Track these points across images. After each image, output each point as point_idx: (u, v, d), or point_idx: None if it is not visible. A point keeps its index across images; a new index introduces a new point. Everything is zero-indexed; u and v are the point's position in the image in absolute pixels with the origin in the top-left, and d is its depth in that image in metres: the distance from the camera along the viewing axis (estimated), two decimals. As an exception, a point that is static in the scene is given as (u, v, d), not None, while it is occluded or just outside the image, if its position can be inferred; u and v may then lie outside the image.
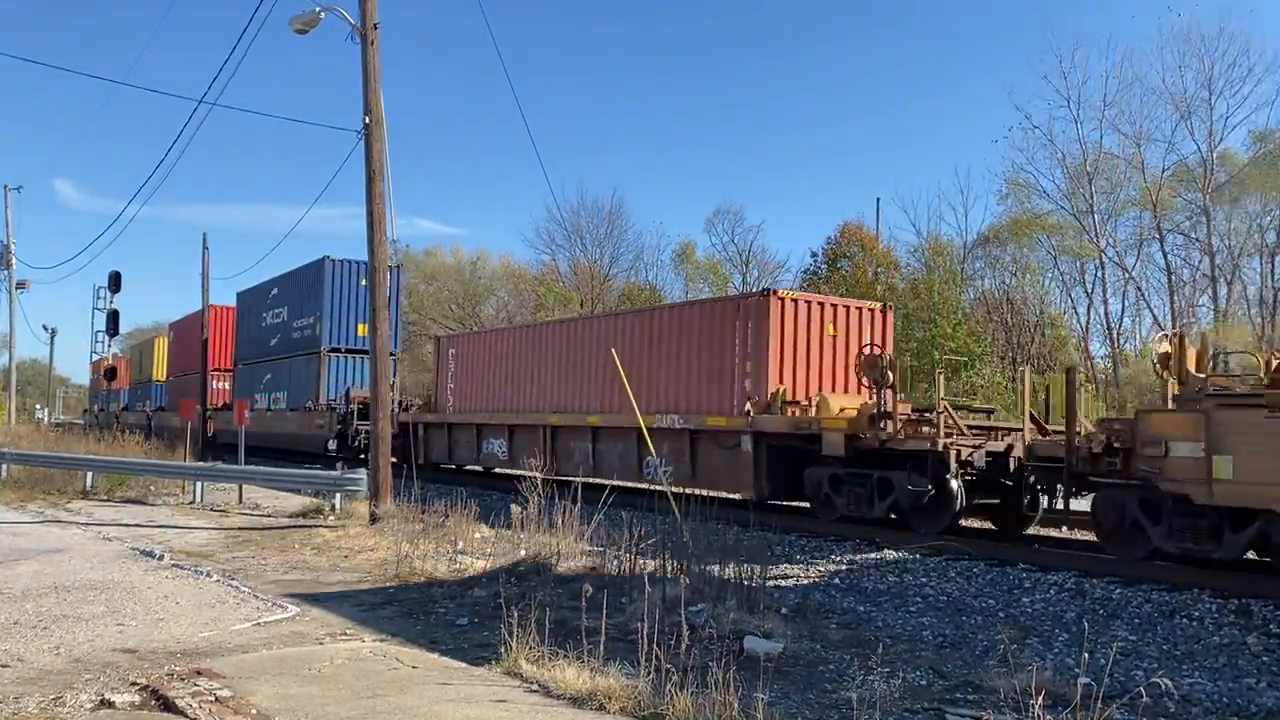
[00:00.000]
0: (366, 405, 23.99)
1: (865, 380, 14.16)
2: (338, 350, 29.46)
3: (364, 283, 27.18)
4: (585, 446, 18.79)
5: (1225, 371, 13.80)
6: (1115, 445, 10.75)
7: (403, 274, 30.69)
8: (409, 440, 23.61)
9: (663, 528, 10.38)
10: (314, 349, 29.77)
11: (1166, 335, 12.16)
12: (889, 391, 13.25)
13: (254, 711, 5.68)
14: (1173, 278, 37.43)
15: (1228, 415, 9.57)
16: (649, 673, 5.95)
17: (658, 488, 12.20)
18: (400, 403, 25.63)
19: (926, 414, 13.52)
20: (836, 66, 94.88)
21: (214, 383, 37.54)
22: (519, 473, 14.46)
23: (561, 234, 58.91)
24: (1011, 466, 12.68)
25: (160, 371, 48.02)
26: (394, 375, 28.27)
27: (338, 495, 16.48)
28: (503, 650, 7.22)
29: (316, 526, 15.06)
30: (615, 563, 9.89)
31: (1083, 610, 9.25)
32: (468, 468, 24.58)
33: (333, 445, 26.77)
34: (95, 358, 62.93)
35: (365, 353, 26.98)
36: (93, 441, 30.36)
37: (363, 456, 14.16)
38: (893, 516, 13.61)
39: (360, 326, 28.40)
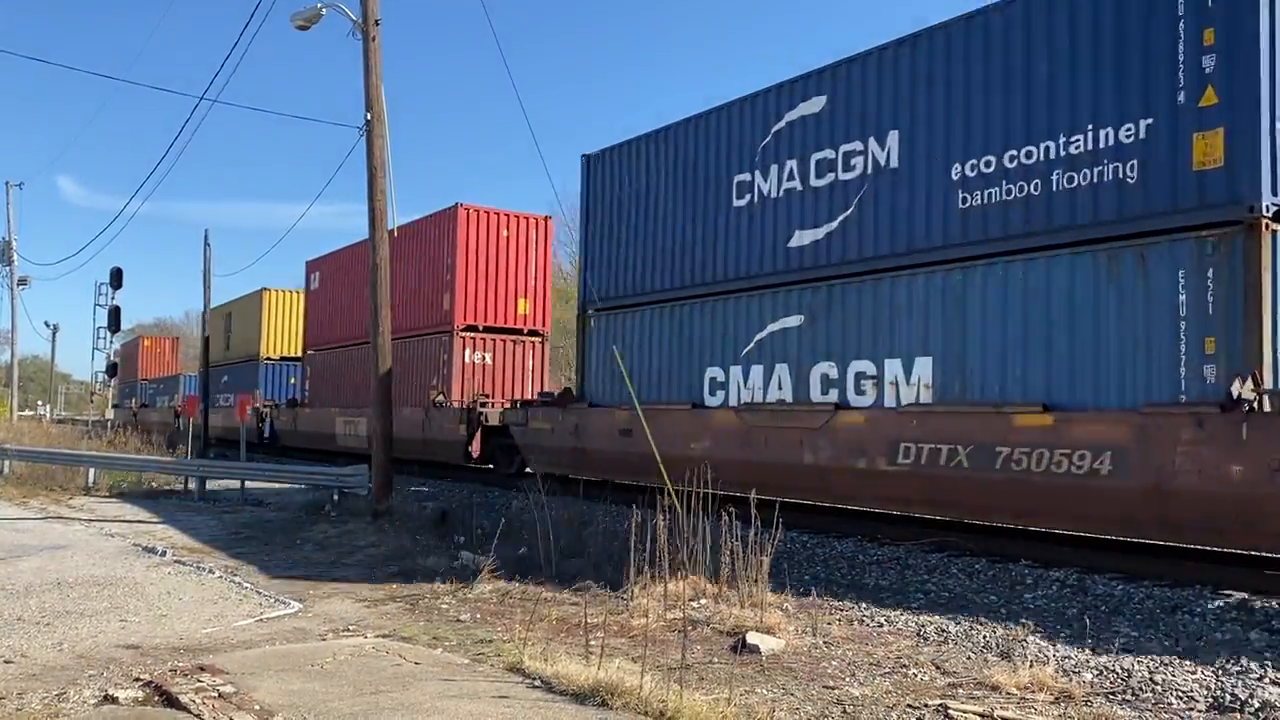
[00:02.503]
0: None
1: None
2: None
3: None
4: None
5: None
6: None
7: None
8: None
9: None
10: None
11: None
12: None
13: (257, 707, 5.69)
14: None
15: None
16: (651, 668, 5.95)
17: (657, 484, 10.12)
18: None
19: None
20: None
21: (467, 353, 22.66)
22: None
23: (564, 230, 58.76)
24: None
25: (280, 344, 33.03)
26: None
27: (339, 492, 16.50)
28: (505, 646, 7.23)
29: (319, 523, 15.07)
30: (618, 560, 9.89)
31: (1085, 606, 9.24)
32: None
33: None
34: (124, 340, 56.53)
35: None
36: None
37: None
38: None
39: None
